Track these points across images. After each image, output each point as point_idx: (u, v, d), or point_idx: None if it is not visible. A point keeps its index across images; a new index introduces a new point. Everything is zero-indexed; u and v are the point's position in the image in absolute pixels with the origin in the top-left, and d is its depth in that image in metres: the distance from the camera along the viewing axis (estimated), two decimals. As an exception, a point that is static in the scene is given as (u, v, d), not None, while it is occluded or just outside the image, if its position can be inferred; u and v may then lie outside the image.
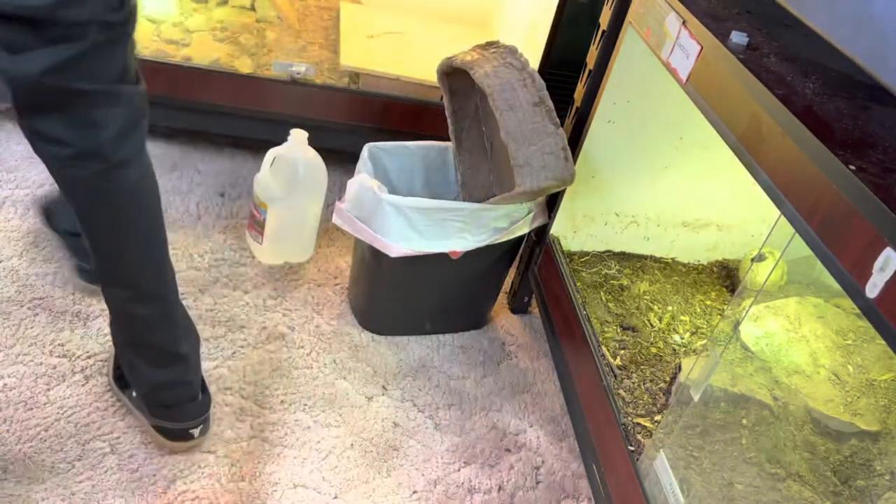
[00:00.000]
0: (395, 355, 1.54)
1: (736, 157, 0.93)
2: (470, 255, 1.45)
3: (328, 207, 1.77)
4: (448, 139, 1.60)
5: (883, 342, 0.67)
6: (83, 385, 1.30)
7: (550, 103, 1.33)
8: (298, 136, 1.55)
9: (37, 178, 1.73)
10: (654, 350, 1.36)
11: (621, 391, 1.25)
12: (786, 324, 1.33)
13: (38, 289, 1.46)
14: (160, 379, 1.17)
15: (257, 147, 2.02)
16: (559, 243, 1.56)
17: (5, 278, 1.47)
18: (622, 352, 1.34)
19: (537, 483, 1.35)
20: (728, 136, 0.94)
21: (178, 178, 1.85)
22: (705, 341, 1.40)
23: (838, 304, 1.38)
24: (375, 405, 1.42)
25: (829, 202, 0.74)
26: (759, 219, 1.59)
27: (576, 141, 1.44)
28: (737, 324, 1.31)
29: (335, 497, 1.24)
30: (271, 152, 1.55)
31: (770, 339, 1.29)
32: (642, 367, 1.31)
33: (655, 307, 1.47)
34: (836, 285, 0.74)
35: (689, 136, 1.44)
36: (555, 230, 1.55)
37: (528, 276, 1.64)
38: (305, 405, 1.38)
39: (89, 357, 1.36)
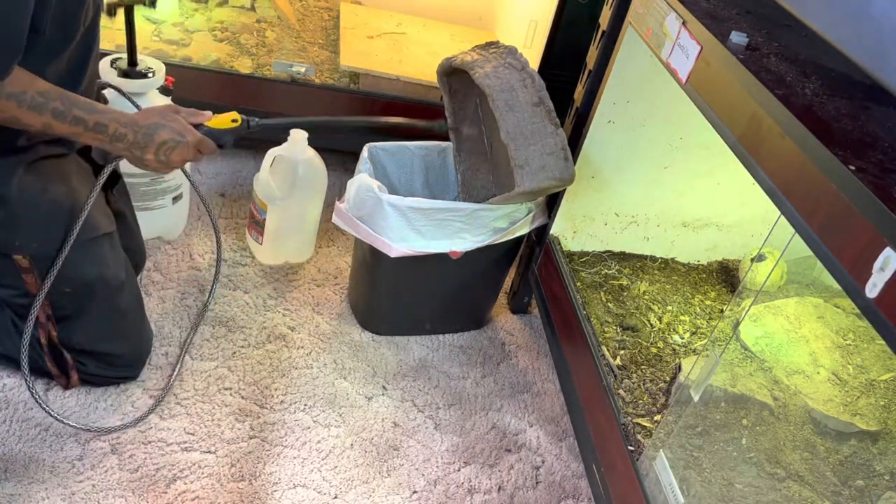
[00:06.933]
0: (395, 355, 1.54)
1: (736, 157, 0.93)
2: (470, 255, 1.45)
3: (328, 207, 1.77)
4: (448, 139, 1.60)
5: (883, 342, 0.67)
6: (83, 385, 1.30)
7: (550, 103, 1.33)
8: (298, 137, 1.55)
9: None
10: (654, 350, 1.36)
11: (621, 391, 1.25)
12: (786, 324, 1.33)
13: (38, 289, 1.46)
14: None
15: (257, 147, 2.03)
16: (559, 243, 1.56)
17: (5, 278, 1.47)
18: (622, 352, 1.34)
19: (537, 483, 1.35)
20: (728, 136, 0.94)
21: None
22: (705, 341, 1.40)
23: (838, 304, 1.38)
24: (375, 405, 1.42)
25: (829, 202, 0.74)
26: (759, 219, 1.59)
27: (576, 141, 1.44)
28: (737, 324, 1.31)
29: (335, 497, 1.24)
30: (271, 152, 1.55)
31: (770, 339, 1.29)
32: (642, 367, 1.31)
33: (655, 307, 1.47)
34: (836, 285, 0.74)
35: (689, 136, 1.44)
36: (555, 230, 1.55)
37: (528, 276, 1.64)
38: (305, 405, 1.38)
39: (89, 357, 1.36)
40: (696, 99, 1.03)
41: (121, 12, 1.40)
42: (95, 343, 1.25)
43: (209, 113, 1.23)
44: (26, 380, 1.15)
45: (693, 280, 1.58)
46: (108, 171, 1.19)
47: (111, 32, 1.79)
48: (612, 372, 1.29)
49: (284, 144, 1.56)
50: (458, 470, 1.34)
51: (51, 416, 1.20)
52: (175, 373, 1.35)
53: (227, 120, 1.24)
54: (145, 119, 1.13)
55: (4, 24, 0.93)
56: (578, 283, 1.48)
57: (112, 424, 1.25)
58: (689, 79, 1.04)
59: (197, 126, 1.20)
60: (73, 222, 1.15)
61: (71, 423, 1.22)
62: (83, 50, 1.12)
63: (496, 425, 1.44)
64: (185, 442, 1.26)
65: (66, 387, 1.28)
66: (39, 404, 1.17)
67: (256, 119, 1.28)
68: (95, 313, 1.22)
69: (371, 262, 1.47)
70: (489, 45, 1.42)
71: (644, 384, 1.28)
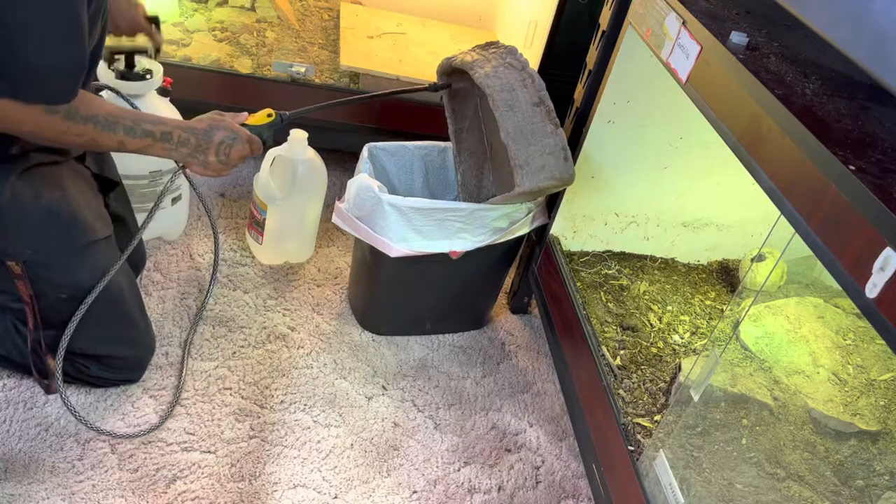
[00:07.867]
0: (395, 355, 1.54)
1: (736, 157, 0.93)
2: (470, 255, 1.45)
3: (328, 207, 1.77)
4: (448, 139, 1.60)
5: (883, 342, 0.67)
6: (83, 384, 1.30)
7: (550, 103, 1.33)
8: (298, 137, 1.55)
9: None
10: (654, 350, 1.36)
11: (621, 391, 1.25)
12: (786, 324, 1.33)
13: (38, 289, 1.46)
14: None
15: (257, 147, 2.03)
16: (559, 243, 1.56)
17: (5, 278, 1.47)
18: (622, 352, 1.34)
19: (537, 483, 1.36)
20: (728, 136, 0.94)
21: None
22: (705, 341, 1.40)
23: (838, 304, 1.38)
24: (375, 405, 1.42)
25: (829, 202, 0.74)
26: (759, 219, 1.59)
27: (576, 141, 1.44)
28: (737, 324, 1.31)
29: (335, 497, 1.24)
30: (271, 152, 1.55)
31: (770, 339, 1.29)
32: (642, 367, 1.31)
33: (655, 307, 1.47)
34: (835, 285, 0.74)
35: (689, 136, 1.44)
36: (555, 230, 1.55)
37: (528, 276, 1.64)
38: (305, 405, 1.38)
39: (89, 357, 1.36)
40: (696, 99, 1.03)
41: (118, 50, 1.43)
42: (96, 347, 1.25)
43: (245, 114, 1.28)
44: (61, 394, 1.19)
45: (693, 280, 1.58)
46: (135, 242, 1.25)
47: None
48: (612, 372, 1.29)
49: (284, 144, 1.56)
50: (458, 470, 1.34)
51: (82, 422, 1.23)
52: (182, 379, 1.35)
53: (263, 116, 1.29)
54: (199, 123, 1.19)
55: (72, 42, 0.96)
56: (578, 283, 1.48)
57: (114, 424, 1.25)
58: (689, 79, 1.04)
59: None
60: (68, 227, 1.15)
61: (102, 429, 1.23)
62: (90, 61, 1.12)
63: (496, 425, 1.44)
64: (185, 442, 1.26)
65: (48, 392, 1.27)
66: (70, 411, 1.20)
67: (286, 112, 1.32)
68: (94, 318, 1.22)
69: (371, 262, 1.47)
70: (489, 45, 1.42)
71: (644, 384, 1.28)
